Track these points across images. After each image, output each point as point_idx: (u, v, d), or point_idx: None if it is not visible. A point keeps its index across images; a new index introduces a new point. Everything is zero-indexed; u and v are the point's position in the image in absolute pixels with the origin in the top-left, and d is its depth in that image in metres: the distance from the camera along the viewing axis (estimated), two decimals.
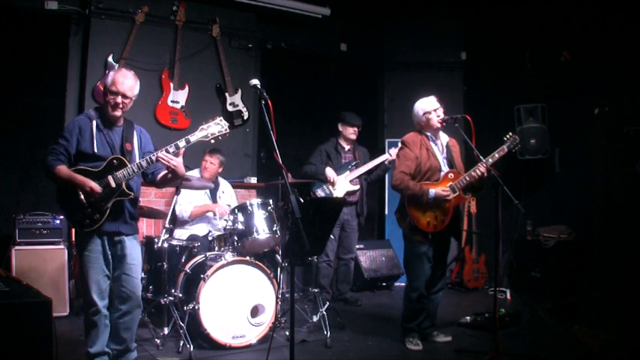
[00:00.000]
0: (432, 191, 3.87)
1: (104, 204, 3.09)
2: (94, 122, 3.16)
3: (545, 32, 6.26)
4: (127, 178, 3.13)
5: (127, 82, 3.17)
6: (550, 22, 6.20)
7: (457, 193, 3.92)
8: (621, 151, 5.49)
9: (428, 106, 4.05)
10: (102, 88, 5.13)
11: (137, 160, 3.21)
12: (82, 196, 3.05)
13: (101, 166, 3.11)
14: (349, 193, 5.35)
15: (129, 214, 3.25)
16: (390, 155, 5.28)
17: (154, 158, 3.13)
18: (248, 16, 6.11)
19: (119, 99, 3.15)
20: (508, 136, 3.96)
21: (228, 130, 3.27)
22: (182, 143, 3.16)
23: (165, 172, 3.27)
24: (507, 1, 6.50)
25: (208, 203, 4.99)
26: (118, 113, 3.20)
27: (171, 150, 3.16)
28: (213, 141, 3.26)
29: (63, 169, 3.06)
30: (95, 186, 3.04)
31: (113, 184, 3.08)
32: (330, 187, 5.30)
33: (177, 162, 3.15)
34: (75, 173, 3.06)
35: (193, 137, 3.19)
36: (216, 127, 3.23)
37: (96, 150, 3.12)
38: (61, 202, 3.15)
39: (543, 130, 6.05)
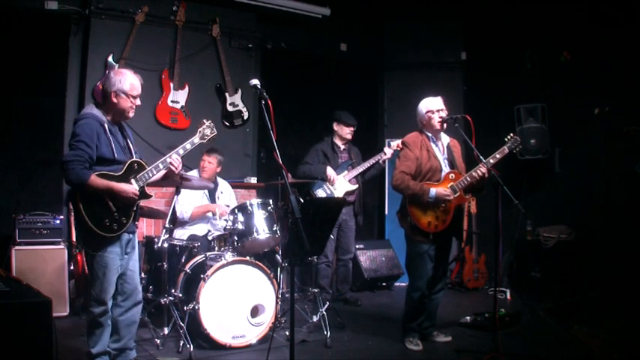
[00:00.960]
0: (433, 191, 3.87)
1: (130, 207, 3.14)
2: (106, 125, 3.14)
3: (545, 32, 6.26)
4: (148, 180, 3.18)
5: (140, 83, 3.24)
6: (550, 22, 6.20)
7: (458, 194, 3.92)
8: (621, 151, 5.49)
9: (432, 105, 4.05)
10: (101, 88, 5.15)
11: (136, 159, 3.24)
12: (111, 204, 3.06)
13: (120, 170, 3.12)
14: (348, 193, 5.34)
15: (137, 212, 3.30)
16: (385, 154, 5.26)
17: (169, 160, 3.24)
18: (248, 16, 6.11)
19: (138, 101, 3.23)
20: (509, 137, 3.96)
21: (215, 132, 3.49)
22: (188, 146, 3.33)
23: (160, 174, 3.30)
24: (507, 2, 6.49)
25: (207, 203, 4.99)
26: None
27: (181, 152, 3.30)
28: (208, 142, 3.49)
29: (96, 179, 3.02)
30: (135, 190, 3.11)
31: (137, 188, 3.14)
32: (331, 187, 5.30)
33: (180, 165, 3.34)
34: (112, 181, 3.06)
35: (196, 139, 3.40)
36: (208, 129, 3.47)
37: (116, 155, 3.12)
38: (87, 211, 3.04)
39: (543, 130, 6.05)
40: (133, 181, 3.13)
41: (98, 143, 3.08)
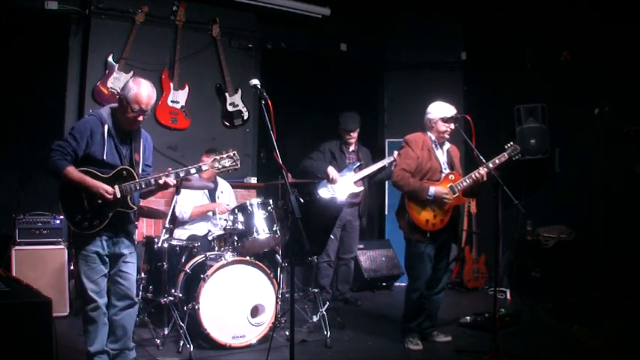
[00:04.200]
0: (433, 189, 3.88)
1: (106, 212, 3.08)
2: (106, 127, 3.12)
3: (545, 32, 6.25)
4: (133, 191, 3.12)
5: (152, 100, 3.15)
6: (550, 22, 6.19)
7: (457, 195, 3.93)
8: (621, 151, 5.48)
9: (448, 114, 4.02)
10: (105, 91, 5.15)
11: (140, 172, 3.22)
12: (86, 201, 3.03)
13: (109, 173, 3.08)
14: (353, 195, 5.33)
15: (128, 220, 3.26)
16: (395, 159, 5.21)
17: (162, 180, 3.14)
18: (248, 16, 6.11)
19: (141, 117, 3.15)
20: (509, 145, 3.96)
21: (239, 166, 3.31)
22: (193, 170, 3.22)
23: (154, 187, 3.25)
24: (507, 1, 6.49)
25: (207, 202, 4.99)
26: (137, 127, 3.21)
27: (182, 174, 3.20)
28: (221, 172, 3.37)
29: (72, 170, 3.02)
30: (109, 188, 3.02)
31: (119, 195, 3.07)
32: (334, 187, 5.27)
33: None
34: (86, 175, 3.03)
35: (205, 166, 3.26)
36: (229, 160, 3.28)
37: (105, 157, 3.09)
38: (63, 201, 3.11)
39: (543, 130, 6.04)
40: (117, 188, 3.06)
41: (90, 141, 3.08)
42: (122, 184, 3.08)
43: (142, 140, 3.30)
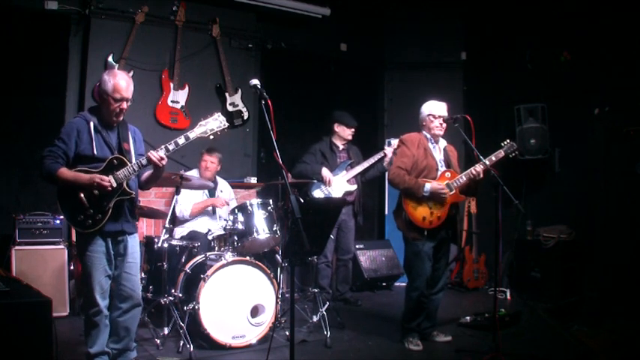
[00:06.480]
0: (428, 185, 3.89)
1: (106, 204, 3.07)
2: (92, 124, 3.13)
3: (545, 32, 6.26)
4: (128, 177, 3.12)
5: (130, 87, 3.15)
6: (550, 22, 6.20)
7: (453, 192, 3.93)
8: (621, 151, 5.48)
9: (435, 110, 4.08)
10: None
11: (134, 160, 3.20)
12: (83, 196, 3.03)
13: (101, 166, 3.09)
14: (347, 193, 5.34)
15: (130, 212, 3.25)
16: (385, 154, 5.27)
17: (147, 155, 3.14)
18: (248, 16, 6.11)
19: (124, 105, 3.15)
20: (506, 142, 3.98)
21: (226, 125, 3.28)
22: (181, 140, 3.20)
23: (149, 172, 3.26)
24: (507, 1, 6.50)
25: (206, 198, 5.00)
26: (122, 118, 3.21)
27: (170, 147, 3.19)
28: (212, 137, 3.29)
29: (65, 171, 3.03)
30: (104, 177, 3.02)
31: (114, 184, 3.07)
32: (328, 187, 5.28)
33: (165, 159, 3.19)
34: (79, 173, 3.04)
35: (192, 134, 3.23)
36: (215, 122, 3.26)
37: (95, 152, 3.10)
38: (62, 203, 3.11)
39: (543, 130, 6.05)
40: (111, 177, 3.06)
41: (78, 140, 3.09)
42: (115, 173, 3.08)
43: (129, 133, 3.31)
